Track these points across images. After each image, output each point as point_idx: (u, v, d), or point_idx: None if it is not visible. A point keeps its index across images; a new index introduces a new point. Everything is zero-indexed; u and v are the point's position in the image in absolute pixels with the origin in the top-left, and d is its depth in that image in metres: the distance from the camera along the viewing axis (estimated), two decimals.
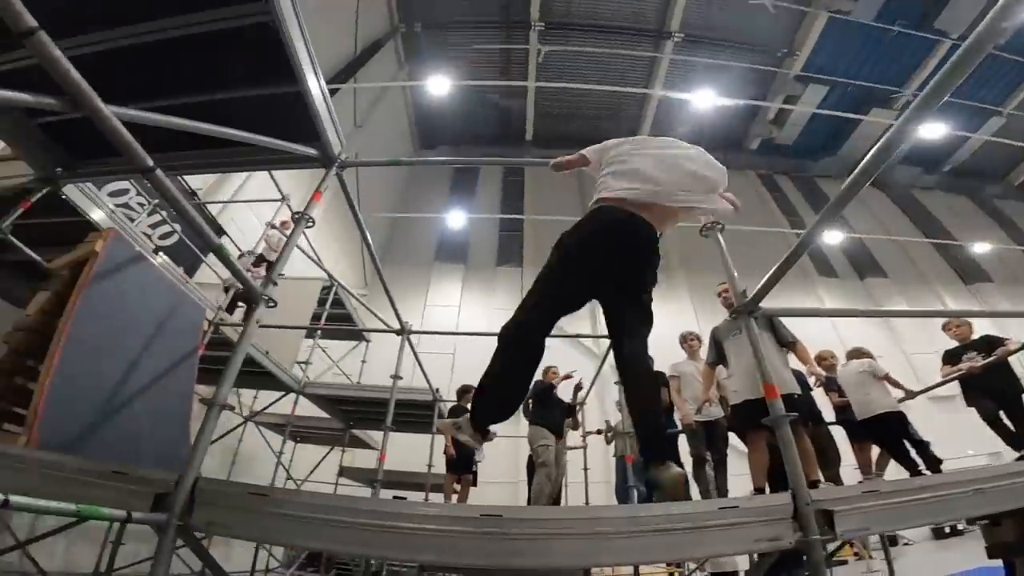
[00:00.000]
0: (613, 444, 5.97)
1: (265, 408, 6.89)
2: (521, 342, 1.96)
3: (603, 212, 2.05)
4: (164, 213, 5.95)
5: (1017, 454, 4.00)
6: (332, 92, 11.81)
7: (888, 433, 4.24)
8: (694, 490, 4.21)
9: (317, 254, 8.05)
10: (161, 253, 4.58)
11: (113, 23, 2.18)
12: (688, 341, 4.96)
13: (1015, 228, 18.84)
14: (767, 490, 3.48)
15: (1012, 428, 4.23)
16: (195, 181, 6.89)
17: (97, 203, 3.73)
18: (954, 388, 4.83)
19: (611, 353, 4.88)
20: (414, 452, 7.00)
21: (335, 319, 8.33)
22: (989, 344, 4.55)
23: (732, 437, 4.17)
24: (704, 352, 4.40)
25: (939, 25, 15.07)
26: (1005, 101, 17.24)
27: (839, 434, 4.54)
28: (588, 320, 13.61)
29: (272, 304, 2.37)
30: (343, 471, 8.36)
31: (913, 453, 4.16)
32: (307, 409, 7.68)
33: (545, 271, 2.03)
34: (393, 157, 16.64)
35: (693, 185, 2.11)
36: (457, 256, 16.42)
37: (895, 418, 4.24)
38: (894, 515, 1.78)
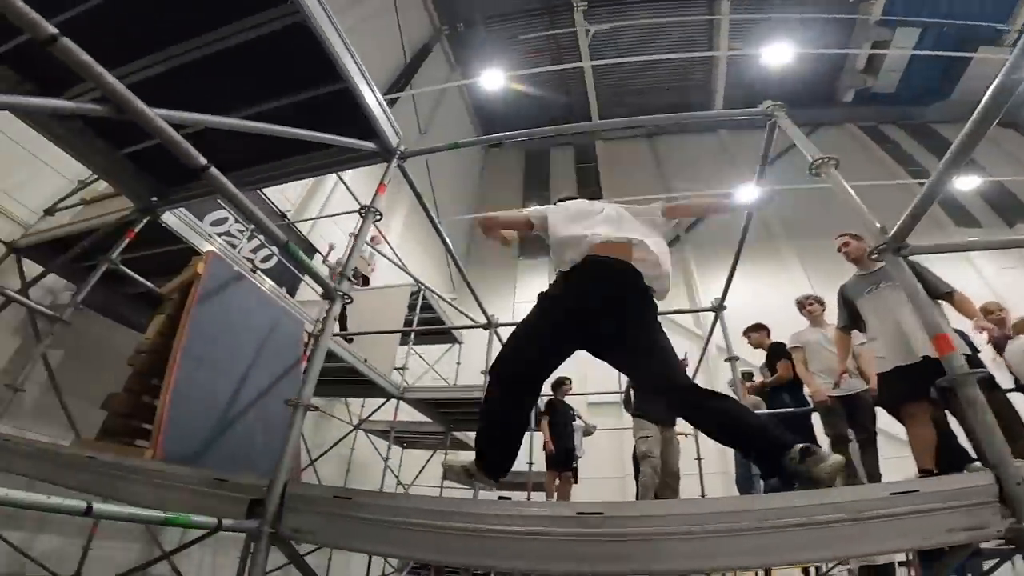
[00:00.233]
0: None
1: (370, 415, 7.18)
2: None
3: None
4: (262, 237, 6.42)
5: None
6: (391, 102, 12.29)
7: None
8: None
9: (402, 262, 8.37)
10: (259, 272, 4.88)
11: (146, 50, 2.27)
12: (807, 306, 4.34)
13: None
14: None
15: None
16: (283, 204, 7.38)
17: (197, 231, 4.04)
18: None
19: (715, 329, 4.46)
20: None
21: (426, 323, 8.54)
22: None
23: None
24: (829, 317, 3.82)
25: None
26: None
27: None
28: (685, 298, 12.86)
29: (348, 300, 2.34)
30: (447, 472, 8.48)
31: None
32: (409, 414, 7.92)
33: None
34: (459, 153, 17.15)
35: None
36: (540, 250, 16.15)
37: None
38: None
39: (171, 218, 3.74)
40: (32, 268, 3.89)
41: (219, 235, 5.08)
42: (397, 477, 7.58)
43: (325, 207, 8.17)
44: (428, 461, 8.33)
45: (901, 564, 4.47)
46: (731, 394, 5.77)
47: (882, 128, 17.92)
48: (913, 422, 2.90)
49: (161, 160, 3.08)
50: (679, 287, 13.55)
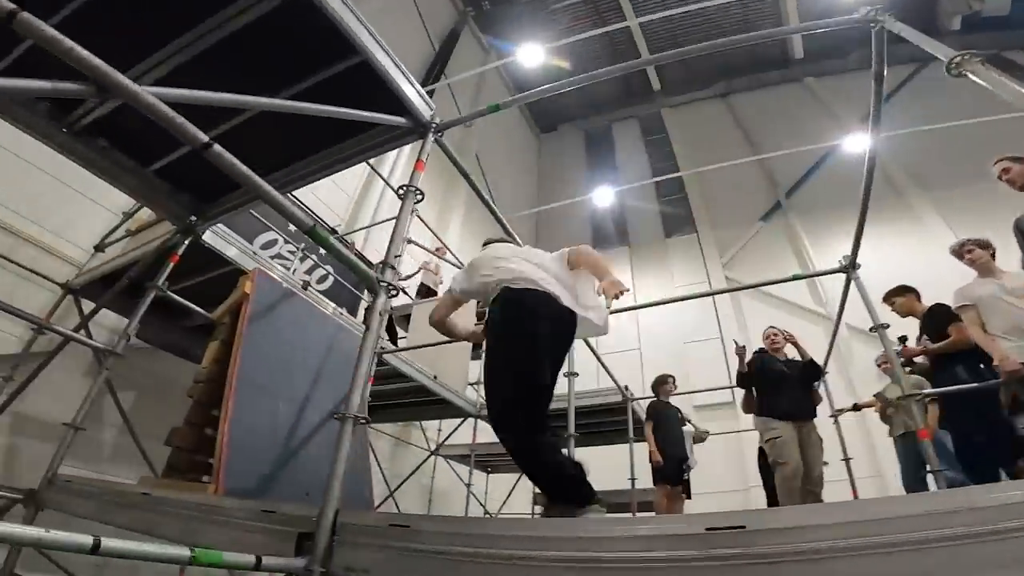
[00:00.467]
0: (891, 422, 4.72)
1: (447, 438, 7.12)
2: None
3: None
4: (315, 257, 6.60)
5: None
6: (430, 94, 12.20)
7: None
8: None
9: (462, 263, 8.33)
10: (313, 290, 4.95)
11: (145, 50, 2.26)
12: (967, 253, 3.65)
13: None
14: None
15: None
16: (332, 219, 7.58)
17: (247, 253, 4.14)
18: None
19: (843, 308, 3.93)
20: (614, 467, 6.58)
21: None
22: None
23: None
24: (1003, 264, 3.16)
25: None
26: None
27: None
28: (805, 288, 11.86)
29: (394, 292, 2.19)
30: (537, 498, 8.28)
31: None
32: (491, 434, 7.77)
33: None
34: (511, 143, 17.19)
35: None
36: (618, 238, 15.80)
37: None
38: None
39: (219, 242, 3.85)
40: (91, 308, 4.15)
41: (271, 257, 5.22)
42: (483, 505, 7.45)
43: (376, 216, 8.32)
44: (515, 485, 8.13)
45: None
46: (882, 379, 5.17)
47: (1006, 55, 15.67)
48: None
49: (195, 175, 3.16)
50: (786, 260, 12.50)
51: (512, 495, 8.02)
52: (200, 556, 1.29)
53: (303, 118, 2.70)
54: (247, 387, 3.32)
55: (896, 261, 9.53)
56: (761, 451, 4.64)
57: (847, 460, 5.03)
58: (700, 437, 6.37)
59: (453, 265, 7.97)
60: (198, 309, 4.03)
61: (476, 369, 7.23)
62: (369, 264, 2.30)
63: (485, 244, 2.89)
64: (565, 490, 1.93)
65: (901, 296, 4.38)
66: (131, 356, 5.09)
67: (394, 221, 2.37)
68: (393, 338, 6.57)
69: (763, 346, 4.88)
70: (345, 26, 2.22)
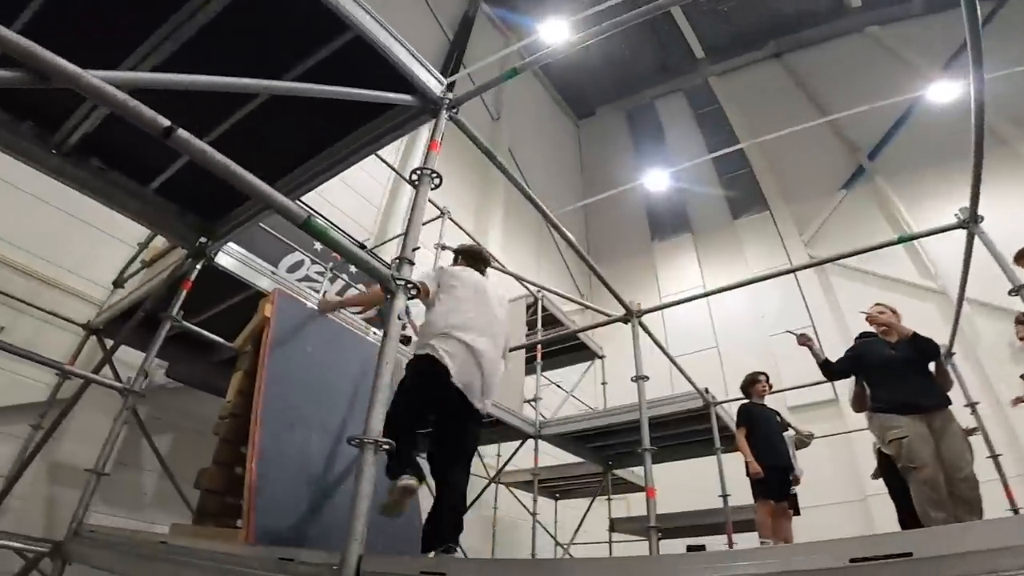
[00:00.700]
0: None
1: (505, 464, 6.92)
2: None
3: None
4: (346, 276, 6.59)
5: None
6: (449, 87, 12.15)
7: None
8: None
9: (501, 265, 8.18)
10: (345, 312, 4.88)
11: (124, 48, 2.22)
12: None
13: None
14: None
15: None
16: (359, 233, 7.59)
17: (270, 277, 4.10)
18: None
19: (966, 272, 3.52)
20: (701, 483, 6.30)
21: (552, 343, 8.19)
22: None
23: None
24: None
25: None
26: None
27: None
28: (907, 260, 11.08)
29: (414, 292, 2.02)
30: (614, 524, 7.95)
31: None
32: (555, 455, 7.63)
33: None
34: (547, 133, 16.98)
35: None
36: (678, 225, 15.45)
37: None
38: None
39: (235, 264, 3.82)
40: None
41: (298, 281, 5.20)
42: (553, 536, 7.17)
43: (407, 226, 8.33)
44: (587, 511, 7.83)
45: None
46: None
47: None
48: None
49: (199, 191, 3.13)
50: (878, 229, 11.72)
51: (585, 522, 7.69)
52: None
53: (304, 114, 2.67)
54: (274, 419, 3.25)
55: (1015, 220, 8.71)
56: (882, 454, 4.16)
57: (995, 457, 4.44)
58: (804, 441, 5.90)
59: (499, 269, 7.85)
60: (220, 340, 4.02)
61: (532, 384, 7.01)
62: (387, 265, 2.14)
63: (461, 255, 3.36)
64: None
65: None
66: (164, 396, 5.27)
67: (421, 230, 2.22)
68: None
69: (871, 329, 4.43)
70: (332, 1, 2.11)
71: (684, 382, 5.54)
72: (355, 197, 8.19)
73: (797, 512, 5.36)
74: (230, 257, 3.77)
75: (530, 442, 6.59)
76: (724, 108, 16.57)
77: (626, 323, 4.27)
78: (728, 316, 12.76)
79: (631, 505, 10.08)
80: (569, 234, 3.88)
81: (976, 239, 3.44)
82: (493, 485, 7.43)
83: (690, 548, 9.47)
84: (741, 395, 5.80)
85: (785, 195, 13.89)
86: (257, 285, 3.93)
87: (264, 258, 4.51)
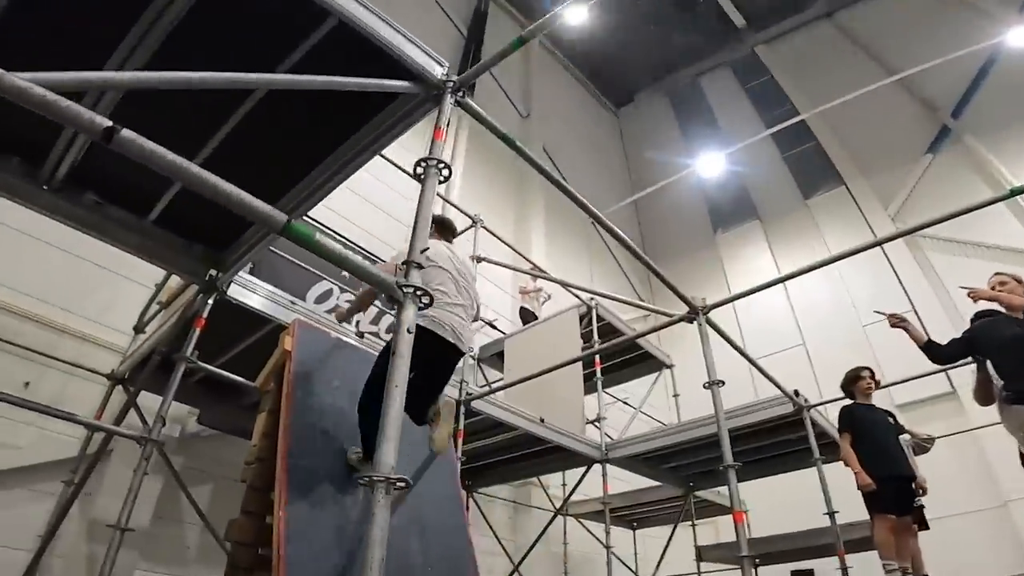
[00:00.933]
0: None
1: (570, 494, 6.68)
2: None
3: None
4: (379, 302, 6.55)
5: None
6: (470, 89, 12.06)
7: None
8: None
9: (545, 273, 8.03)
10: (368, 336, 4.81)
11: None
12: None
13: None
14: None
15: None
16: (386, 252, 7.58)
17: (295, 310, 4.05)
18: None
19: None
20: (801, 499, 5.93)
21: (613, 355, 7.95)
22: None
23: None
24: None
25: None
26: None
27: None
28: (1017, 224, 10.34)
29: (426, 301, 1.87)
30: (701, 553, 7.55)
31: None
32: (629, 480, 7.38)
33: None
34: (583, 127, 16.72)
35: None
36: (743, 212, 15.03)
37: None
38: None
39: (253, 298, 3.80)
40: (145, 396, 4.27)
41: (328, 311, 5.16)
42: (633, 570, 6.84)
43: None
44: (670, 540, 7.48)
45: None
46: None
47: None
48: None
49: (201, 219, 3.11)
50: (975, 192, 10.99)
51: (669, 552, 7.37)
52: None
53: (298, 122, 2.64)
54: (301, 461, 3.16)
55: None
56: None
57: None
58: (924, 446, 5.39)
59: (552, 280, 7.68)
60: (242, 381, 4.00)
61: (593, 403, 6.76)
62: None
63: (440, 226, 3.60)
64: None
65: None
66: (199, 444, 5.30)
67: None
68: None
69: (991, 306, 4.00)
70: None
71: (770, 387, 5.22)
72: (384, 217, 8.23)
73: (925, 526, 4.90)
74: (244, 290, 3.73)
75: (597, 467, 6.33)
76: (776, 78, 16.11)
77: (691, 323, 3.99)
78: (812, 309, 12.28)
79: (720, 530, 9.65)
80: (615, 228, 3.68)
81: None
82: (560, 518, 7.22)
83: (795, 574, 8.92)
84: (841, 395, 5.35)
85: (861, 167, 13.32)
86: (276, 317, 3.88)
87: (287, 289, 4.48)
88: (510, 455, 6.53)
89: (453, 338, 3.10)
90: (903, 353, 8.66)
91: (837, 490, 5.31)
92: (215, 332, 3.94)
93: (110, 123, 1.33)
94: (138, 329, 4.56)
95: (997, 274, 4.11)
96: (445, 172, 2.14)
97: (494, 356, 8.06)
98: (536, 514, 7.97)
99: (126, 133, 1.35)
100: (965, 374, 4.27)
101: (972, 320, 4.19)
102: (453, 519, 3.80)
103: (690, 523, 7.68)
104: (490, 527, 7.12)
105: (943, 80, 12.39)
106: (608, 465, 6.33)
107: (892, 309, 4.52)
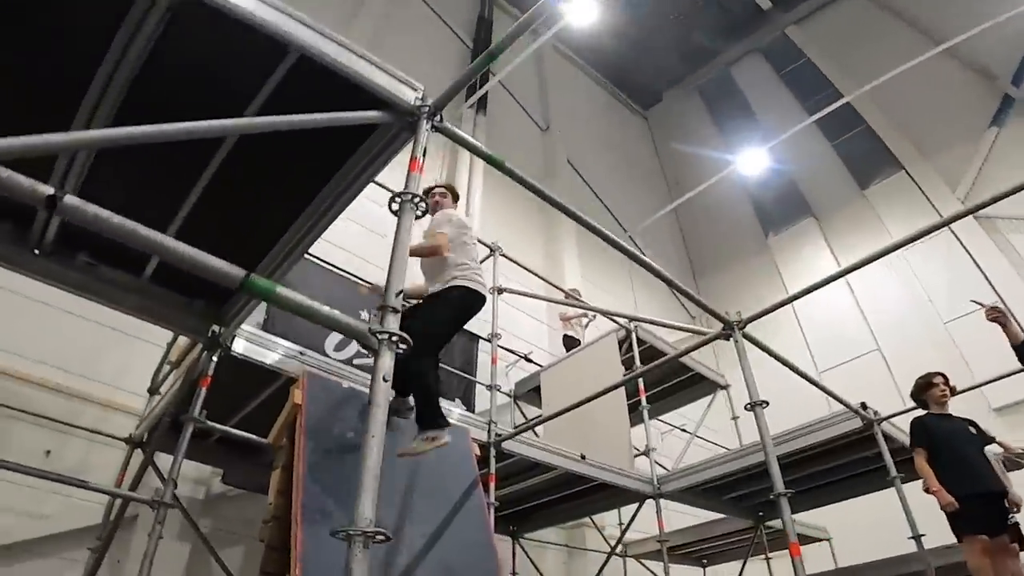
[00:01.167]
0: None
1: (622, 535, 6.54)
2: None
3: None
4: (402, 348, 6.62)
5: None
6: (481, 105, 12.04)
7: None
8: None
9: (578, 298, 7.97)
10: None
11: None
12: None
13: None
14: None
15: None
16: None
17: (312, 363, 4.12)
18: None
19: None
20: (883, 523, 5.80)
21: (661, 380, 7.89)
22: None
23: None
24: None
25: None
26: None
27: None
28: None
29: (403, 345, 1.89)
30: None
31: None
32: (698, 514, 7.22)
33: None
34: (610, 134, 16.62)
35: None
36: (795, 210, 14.78)
37: None
38: None
39: (259, 351, 3.89)
40: (164, 459, 4.41)
41: (343, 361, 5.24)
42: None
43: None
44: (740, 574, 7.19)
45: None
46: None
47: None
48: None
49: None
50: None
51: None
52: None
53: (269, 177, 2.72)
54: (317, 518, 3.20)
55: None
56: None
57: None
58: (1018, 462, 5.02)
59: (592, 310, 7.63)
60: (255, 438, 4.10)
61: (640, 434, 6.63)
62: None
63: (450, 192, 4.22)
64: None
65: None
66: (225, 505, 5.42)
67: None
68: None
69: None
70: (259, 20, 2.05)
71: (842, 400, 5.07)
72: (359, 231, 8.21)
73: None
74: (252, 344, 3.84)
75: (650, 502, 6.18)
76: (813, 61, 15.86)
77: (727, 339, 3.88)
78: (885, 309, 11.92)
79: (807, 560, 9.27)
80: (634, 252, 3.67)
81: None
82: (618, 559, 7.07)
83: None
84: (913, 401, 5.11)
85: (920, 148, 12.98)
86: (284, 370, 3.95)
87: (304, 341, 4.58)
88: (554, 496, 6.44)
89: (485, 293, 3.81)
90: (995, 348, 8.24)
91: (924, 509, 5.01)
92: (228, 390, 4.05)
93: (52, 191, 1.40)
94: (152, 391, 4.73)
95: None
96: (421, 207, 2.16)
97: (531, 392, 7.99)
98: (592, 557, 7.80)
99: (70, 200, 1.42)
100: None
101: None
102: (485, 565, 3.77)
103: (762, 556, 7.44)
104: (540, 575, 7.01)
105: (996, 46, 12.04)
106: (665, 500, 6.19)
107: (991, 300, 4.34)
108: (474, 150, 2.66)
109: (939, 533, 4.94)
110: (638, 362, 6.80)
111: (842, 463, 6.01)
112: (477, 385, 7.31)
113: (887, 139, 13.65)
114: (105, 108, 2.28)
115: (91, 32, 2.13)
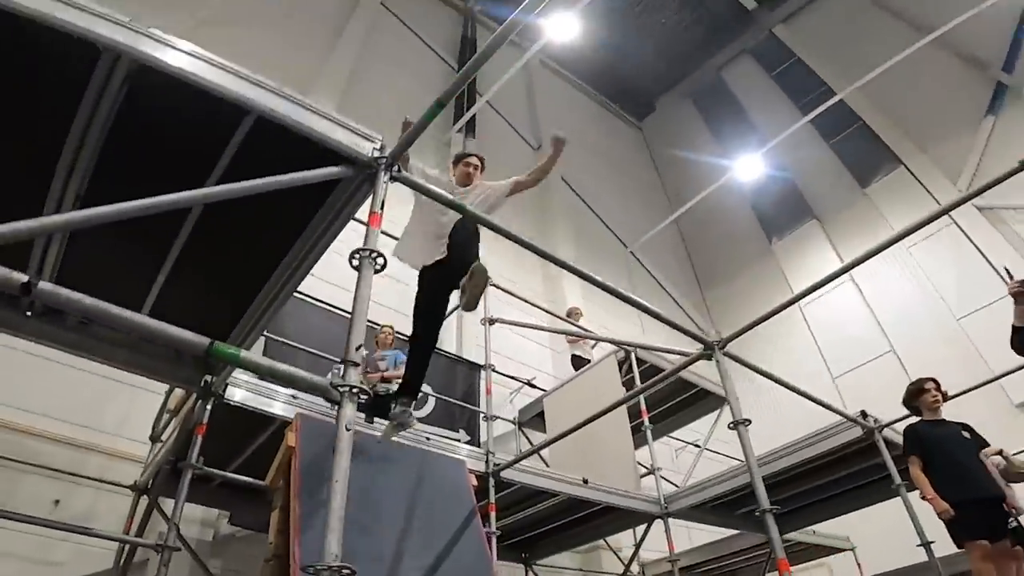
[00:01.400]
0: None
1: (634, 556, 6.59)
2: None
3: None
4: (363, 399, 6.81)
5: None
6: (469, 128, 12.17)
7: None
8: None
9: (574, 323, 8.05)
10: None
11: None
12: None
13: None
14: None
15: None
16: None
17: (308, 406, 4.29)
18: None
19: None
20: (890, 532, 5.80)
21: (665, 398, 8.03)
22: None
23: None
24: None
25: None
26: None
27: None
28: None
29: (365, 395, 2.05)
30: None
31: None
32: (715, 531, 7.27)
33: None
34: (605, 147, 16.60)
35: None
36: (797, 213, 14.80)
37: None
38: None
39: (261, 400, 4.06)
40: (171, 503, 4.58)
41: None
42: None
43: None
44: None
45: None
46: None
47: None
48: None
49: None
50: None
51: None
52: None
53: (240, 239, 2.86)
54: (313, 556, 3.30)
55: None
56: None
57: None
58: (1018, 471, 4.87)
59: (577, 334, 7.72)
60: (254, 481, 4.25)
61: (645, 455, 6.73)
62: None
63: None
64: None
65: None
66: (236, 545, 5.57)
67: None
68: None
69: None
70: (216, 87, 2.21)
71: (861, 404, 5.27)
72: (399, 287, 8.36)
73: None
74: (246, 392, 3.98)
75: (658, 522, 6.23)
76: (803, 59, 15.93)
77: (708, 358, 4.00)
78: (896, 310, 11.92)
79: (834, 572, 9.26)
80: (612, 288, 3.75)
81: None
82: None
83: None
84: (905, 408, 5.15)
85: (917, 141, 13.04)
86: (278, 414, 4.10)
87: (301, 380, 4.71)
88: (563, 521, 6.52)
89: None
90: (994, 345, 8.24)
91: (924, 519, 5.10)
92: (227, 435, 4.22)
93: (26, 278, 1.59)
94: (154, 438, 4.90)
95: None
96: (380, 261, 2.29)
97: (536, 418, 8.09)
98: None
99: (44, 285, 1.60)
100: None
101: None
102: None
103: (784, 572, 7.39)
104: None
105: (984, 34, 12.13)
106: (678, 519, 6.27)
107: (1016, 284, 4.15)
108: (437, 197, 2.81)
109: (945, 542, 5.00)
110: (638, 382, 6.90)
111: (853, 471, 6.04)
112: (480, 414, 7.43)
113: (884, 135, 13.70)
114: (75, 184, 2.45)
115: (55, 108, 2.27)
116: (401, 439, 4.45)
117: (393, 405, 3.85)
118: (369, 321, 6.41)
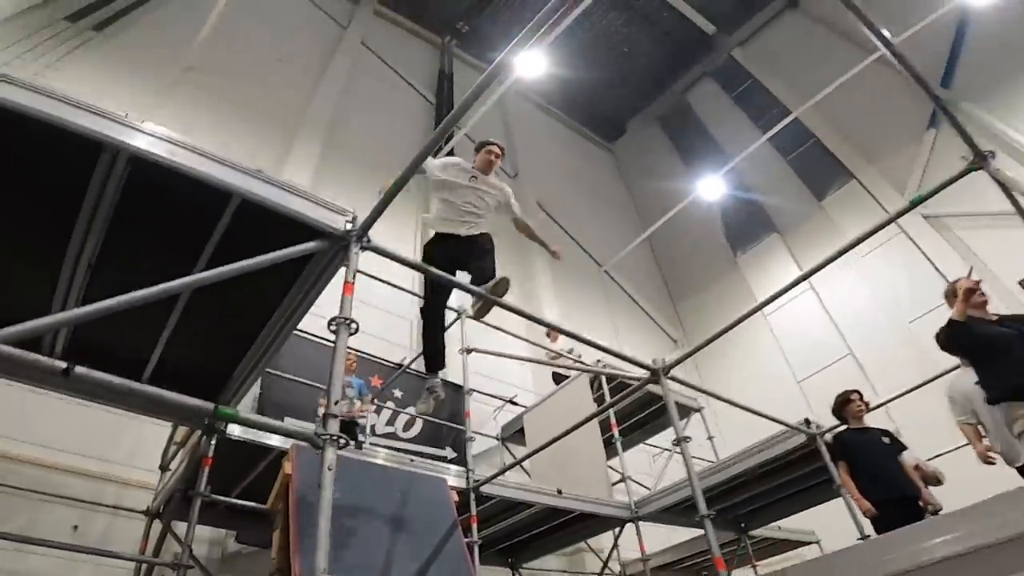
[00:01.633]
0: None
1: (607, 562, 6.87)
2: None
3: None
4: (391, 405, 7.16)
5: None
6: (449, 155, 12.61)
7: None
8: None
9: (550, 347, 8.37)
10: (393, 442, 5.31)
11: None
12: None
13: None
14: None
15: None
16: (396, 352, 8.10)
17: (301, 433, 4.61)
18: None
19: None
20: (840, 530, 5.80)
21: (636, 410, 8.37)
22: None
23: None
24: None
25: None
26: None
27: None
28: None
29: (344, 443, 2.38)
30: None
31: None
32: (684, 532, 7.49)
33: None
34: (578, 171, 16.92)
35: None
36: (759, 228, 14.96)
37: None
38: None
39: (259, 434, 4.29)
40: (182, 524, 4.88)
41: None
42: None
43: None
44: None
45: None
46: None
47: None
48: None
49: (188, 371, 3.68)
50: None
51: None
52: None
53: (233, 303, 3.10)
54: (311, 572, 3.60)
55: None
56: None
57: None
58: (932, 476, 5.02)
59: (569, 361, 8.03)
60: (257, 506, 4.56)
61: (616, 465, 7.08)
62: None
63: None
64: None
65: None
66: (243, 562, 5.88)
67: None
68: None
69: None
70: (203, 175, 2.48)
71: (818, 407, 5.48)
72: (381, 315, 8.61)
73: None
74: (245, 427, 4.29)
75: (630, 526, 6.54)
76: (760, 80, 16.25)
77: (654, 382, 4.33)
78: (852, 314, 12.21)
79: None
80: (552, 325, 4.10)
81: None
82: None
83: None
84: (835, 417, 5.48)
85: (866, 155, 13.35)
86: (276, 446, 4.37)
87: (297, 409, 5.03)
88: (544, 527, 6.79)
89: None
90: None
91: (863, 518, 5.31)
92: (230, 464, 4.49)
93: (65, 365, 1.95)
94: (163, 468, 5.20)
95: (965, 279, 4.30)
96: (353, 327, 2.59)
97: (517, 433, 8.45)
98: None
99: (79, 370, 1.96)
100: None
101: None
102: None
103: (750, 565, 7.69)
104: None
105: (924, 51, 12.24)
106: (639, 524, 6.49)
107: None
108: (404, 262, 3.14)
109: None
110: (607, 397, 7.25)
111: (804, 473, 6.23)
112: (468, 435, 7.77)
113: (836, 150, 13.98)
114: (83, 267, 2.78)
115: (66, 194, 2.53)
116: (386, 463, 4.82)
117: (427, 377, 4.42)
118: (350, 347, 6.86)
